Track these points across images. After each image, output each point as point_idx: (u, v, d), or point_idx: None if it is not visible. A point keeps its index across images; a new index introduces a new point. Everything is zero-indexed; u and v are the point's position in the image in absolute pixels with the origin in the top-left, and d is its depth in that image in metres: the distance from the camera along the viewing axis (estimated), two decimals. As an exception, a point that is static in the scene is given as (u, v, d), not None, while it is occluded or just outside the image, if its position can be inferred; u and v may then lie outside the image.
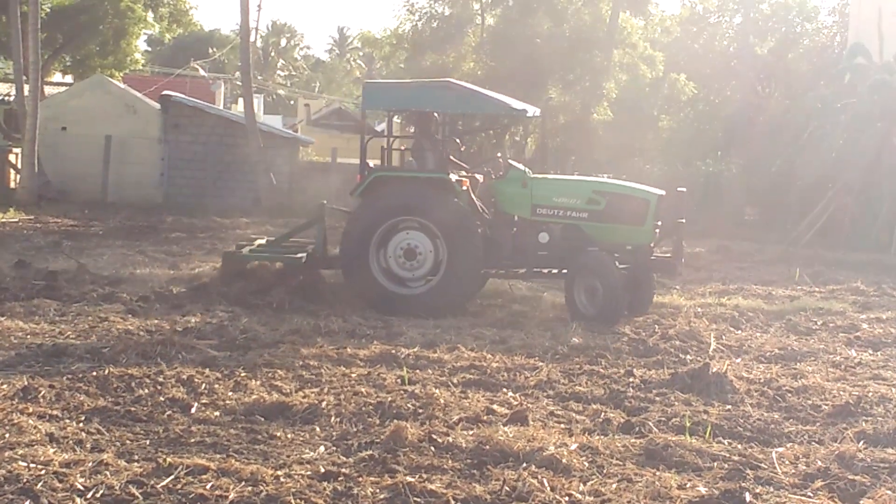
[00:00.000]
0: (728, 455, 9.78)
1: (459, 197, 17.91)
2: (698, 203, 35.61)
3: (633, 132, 43.26)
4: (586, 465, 9.33)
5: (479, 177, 19.19)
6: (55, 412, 10.46)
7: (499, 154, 19.31)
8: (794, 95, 45.41)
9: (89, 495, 8.02)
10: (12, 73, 43.90)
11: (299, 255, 19.12)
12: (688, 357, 14.43)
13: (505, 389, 12.32)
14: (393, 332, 15.80)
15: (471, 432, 10.11)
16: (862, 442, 10.22)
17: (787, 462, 9.63)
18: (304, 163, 45.21)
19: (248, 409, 10.94)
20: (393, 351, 14.09)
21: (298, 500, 8.12)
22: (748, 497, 8.53)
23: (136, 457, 9.17)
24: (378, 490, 8.40)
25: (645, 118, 44.70)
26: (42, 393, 11.06)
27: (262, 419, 10.61)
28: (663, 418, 11.19)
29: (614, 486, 8.81)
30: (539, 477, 8.75)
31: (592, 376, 13.20)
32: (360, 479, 8.65)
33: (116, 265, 22.02)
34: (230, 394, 11.55)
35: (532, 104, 20.70)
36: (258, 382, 12.10)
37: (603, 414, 11.31)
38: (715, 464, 9.55)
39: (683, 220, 18.33)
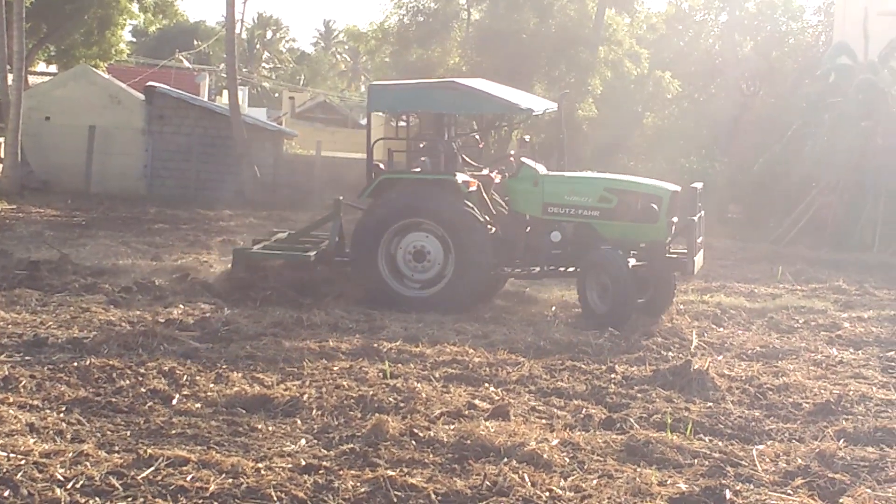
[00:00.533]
0: (709, 452, 9.80)
1: (466, 197, 17.70)
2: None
3: (618, 129, 43.25)
4: (567, 460, 9.34)
5: (496, 176, 18.97)
6: (36, 402, 10.45)
7: (513, 152, 19.05)
8: (778, 94, 45.46)
9: (69, 486, 8.01)
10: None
11: (310, 252, 19.05)
12: (670, 354, 14.45)
13: (487, 384, 12.33)
14: (375, 325, 15.78)
15: (452, 427, 10.11)
16: (842, 440, 10.25)
17: (767, 460, 9.66)
18: (288, 155, 45.12)
19: (229, 401, 10.93)
20: (375, 345, 14.08)
21: (279, 493, 8.11)
22: (728, 494, 8.55)
23: (117, 448, 9.16)
24: (359, 483, 8.40)
25: (630, 115, 44.73)
26: (23, 383, 11.05)
27: (244, 411, 10.61)
28: (644, 415, 11.21)
29: (595, 481, 8.82)
30: (520, 472, 8.76)
31: (574, 372, 13.22)
32: (341, 472, 8.65)
33: (99, 256, 21.96)
34: (212, 386, 11.54)
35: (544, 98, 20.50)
36: (240, 375, 12.09)
37: (584, 410, 11.33)
38: (695, 461, 9.57)
39: (701, 216, 18.03)
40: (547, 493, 8.44)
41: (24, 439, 9.02)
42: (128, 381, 11.41)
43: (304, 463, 8.86)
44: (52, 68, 58.89)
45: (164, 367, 12.08)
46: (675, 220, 17.91)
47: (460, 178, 17.89)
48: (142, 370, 11.88)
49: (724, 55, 48.98)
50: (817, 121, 35.64)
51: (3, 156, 39.97)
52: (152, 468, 8.42)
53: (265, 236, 21.76)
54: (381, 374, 12.42)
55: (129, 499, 7.91)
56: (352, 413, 10.71)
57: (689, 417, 11.07)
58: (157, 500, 7.92)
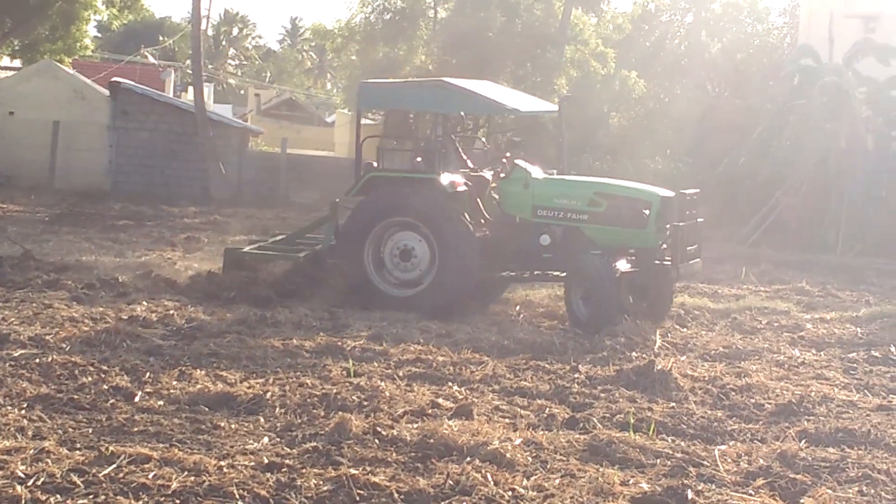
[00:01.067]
0: (671, 452, 9.83)
1: (452, 198, 17.57)
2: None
3: (584, 129, 43.31)
4: (530, 459, 9.36)
5: (489, 176, 18.70)
6: (-3, 399, 10.40)
7: (508, 154, 18.84)
8: (743, 95, 45.62)
9: (30, 483, 7.98)
10: (-40, 56, 43.57)
11: (301, 253, 19.02)
12: (633, 354, 14.47)
13: (450, 383, 12.34)
14: (339, 324, 15.76)
15: (415, 425, 10.12)
16: (803, 441, 10.31)
17: (729, 460, 9.70)
18: (253, 153, 45.03)
19: (192, 398, 10.91)
20: (339, 343, 14.07)
21: (241, 491, 8.10)
22: (690, 494, 8.58)
23: (79, 445, 9.13)
24: (321, 482, 8.40)
25: (595, 115, 44.79)
26: (-16, 379, 10.99)
27: (207, 409, 10.59)
28: (608, 415, 11.24)
29: (557, 481, 8.84)
30: (483, 471, 8.77)
31: (538, 371, 13.24)
32: (304, 470, 8.65)
33: (62, 252, 21.88)
34: (174, 383, 11.51)
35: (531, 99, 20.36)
36: (203, 372, 12.06)
37: (547, 409, 11.35)
38: (658, 461, 9.60)
39: (696, 223, 17.76)
40: (510, 493, 8.45)
41: (-15, 436, 8.98)
42: (90, 378, 11.37)
43: (266, 461, 8.85)
44: (17, 63, 58.56)
45: (127, 365, 12.06)
46: (668, 226, 17.37)
47: (446, 177, 17.67)
48: (104, 367, 11.85)
49: (690, 56, 49.11)
50: (782, 122, 35.78)
51: (-34, 151, 39.76)
52: (114, 465, 8.40)
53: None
54: (344, 373, 12.41)
55: (91, 496, 7.88)
56: (315, 411, 10.70)
57: (651, 417, 11.10)
58: (118, 497, 7.89)
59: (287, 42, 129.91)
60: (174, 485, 8.12)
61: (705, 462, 9.59)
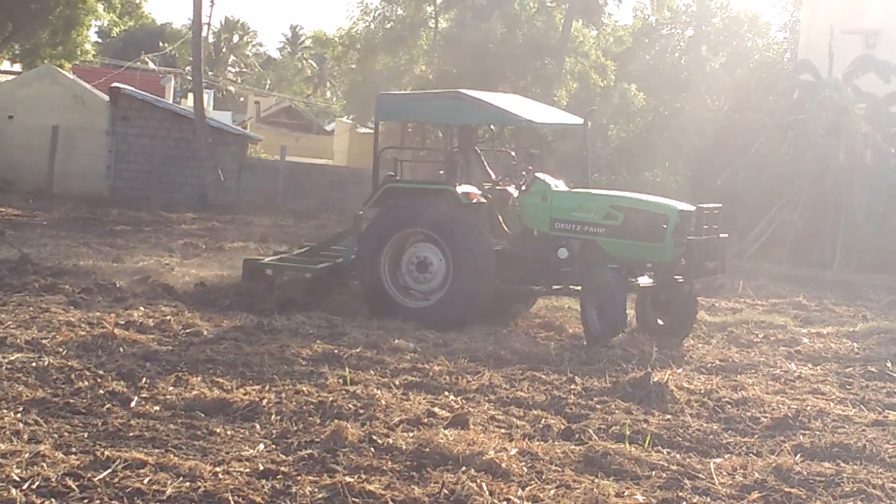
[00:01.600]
0: (666, 464, 9.83)
1: (468, 209, 17.42)
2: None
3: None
4: (525, 470, 9.35)
5: (513, 190, 18.47)
6: (-7, 402, 10.39)
7: (530, 167, 18.65)
8: (743, 110, 45.66)
9: (25, 487, 7.97)
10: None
11: (321, 265, 19.02)
12: (629, 366, 14.45)
13: (446, 392, 12.33)
14: (336, 331, 15.75)
15: (411, 434, 10.11)
16: (799, 455, 10.31)
17: (724, 473, 9.69)
18: (252, 160, 45.09)
19: (188, 404, 10.90)
20: (335, 351, 14.06)
21: (236, 497, 8.10)
22: (685, 506, 8.58)
23: (74, 449, 9.12)
24: (317, 489, 8.40)
25: (594, 127, 44.81)
26: (-20, 383, 10.98)
27: (203, 415, 10.58)
28: (603, 426, 11.23)
29: (553, 492, 8.84)
30: (478, 481, 8.77)
31: (534, 382, 13.23)
32: (299, 477, 8.65)
33: (60, 256, 21.88)
34: (171, 389, 11.50)
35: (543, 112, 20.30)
36: (199, 378, 12.06)
37: (543, 420, 11.34)
38: (653, 473, 9.59)
39: (717, 238, 17.43)
40: (505, 503, 8.46)
41: (-19, 439, 8.98)
42: (86, 383, 11.36)
43: (262, 468, 8.85)
44: (17, 67, 58.59)
45: (123, 370, 12.06)
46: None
47: (462, 188, 17.54)
48: (100, 372, 11.85)
49: (690, 70, 49.16)
50: (781, 137, 35.84)
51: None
52: (109, 470, 8.39)
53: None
54: (340, 381, 12.40)
55: (86, 500, 7.89)
56: (311, 419, 10.70)
57: (647, 429, 11.10)
58: (113, 502, 7.89)
59: (287, 50, 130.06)
60: (169, 490, 8.12)
61: (700, 475, 9.59)
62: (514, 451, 9.73)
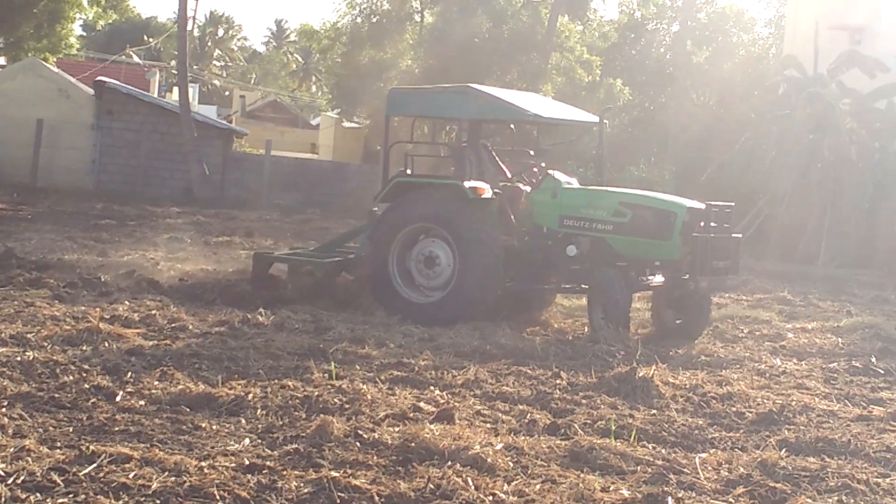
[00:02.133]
0: (652, 459, 9.84)
1: (477, 204, 17.28)
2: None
3: (568, 135, 43.40)
4: (511, 465, 9.35)
5: (526, 187, 18.38)
6: (-23, 397, 10.36)
7: (542, 164, 18.53)
8: (728, 105, 45.75)
9: (10, 481, 7.95)
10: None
11: (328, 259, 19.01)
12: (615, 361, 14.45)
13: (432, 387, 12.32)
14: (322, 326, 15.73)
15: (397, 429, 10.11)
16: (784, 450, 10.32)
17: (709, 468, 9.70)
18: (237, 154, 45.03)
19: (173, 398, 10.88)
20: (321, 345, 14.05)
21: (222, 492, 8.08)
22: (670, 501, 8.60)
23: (59, 444, 9.09)
24: (302, 484, 8.38)
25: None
26: (-36, 377, 10.95)
27: (188, 409, 10.55)
28: (589, 421, 11.24)
29: (538, 486, 8.83)
30: (464, 476, 8.76)
31: (519, 377, 13.23)
32: (285, 472, 8.63)
33: (44, 250, 21.82)
34: (156, 383, 11.48)
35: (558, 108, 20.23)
36: (184, 373, 12.03)
37: (529, 415, 11.34)
38: (638, 467, 9.60)
39: (730, 237, 17.24)
40: (490, 498, 8.45)
41: (-35, 433, 8.96)
42: (71, 377, 11.33)
43: (247, 462, 8.83)
44: (1, 60, 58.43)
45: (109, 364, 12.03)
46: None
47: (469, 183, 17.41)
48: (85, 366, 11.81)
49: (676, 65, 49.22)
50: (765, 132, 35.90)
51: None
52: (94, 465, 8.37)
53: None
54: (326, 375, 12.39)
55: (71, 495, 7.86)
56: (296, 413, 10.68)
57: (633, 424, 11.11)
58: (98, 496, 7.87)
59: (272, 44, 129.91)
60: (154, 485, 8.10)
61: (686, 469, 9.60)
62: (499, 446, 9.73)
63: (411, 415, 10.87)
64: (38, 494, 7.83)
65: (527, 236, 17.91)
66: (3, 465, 8.20)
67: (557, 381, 13.06)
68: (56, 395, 10.67)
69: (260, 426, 10.19)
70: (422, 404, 11.34)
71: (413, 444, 9.54)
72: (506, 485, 8.78)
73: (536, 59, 43.60)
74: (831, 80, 35.03)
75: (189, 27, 49.27)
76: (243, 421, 10.34)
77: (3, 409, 9.99)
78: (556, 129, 23.05)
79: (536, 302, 18.77)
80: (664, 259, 17.24)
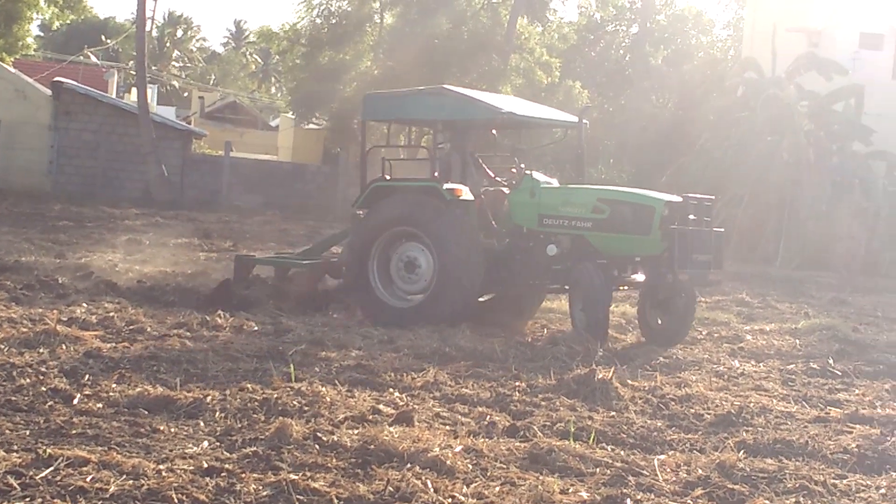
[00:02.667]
0: (611, 461, 9.85)
1: (455, 206, 17.18)
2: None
3: (527, 137, 43.46)
4: (470, 467, 9.34)
5: (507, 190, 18.31)
6: (-67, 400, 10.29)
7: (523, 165, 18.45)
8: (687, 107, 45.95)
9: (-34, 485, 7.89)
10: None
11: (307, 262, 19.01)
12: (574, 363, 14.47)
13: (391, 389, 12.30)
14: (281, 328, 15.70)
15: (356, 431, 10.08)
16: (742, 451, 10.35)
17: (668, 469, 9.72)
18: (196, 155, 44.92)
19: (131, 401, 10.81)
20: (280, 347, 14.01)
21: (180, 495, 8.04)
22: (629, 503, 8.61)
23: (16, 447, 9.02)
24: (261, 487, 8.35)
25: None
26: (-80, 380, 10.87)
27: (146, 412, 10.50)
28: (548, 423, 11.24)
29: (497, 489, 8.83)
30: (423, 478, 8.75)
31: (479, 379, 13.23)
32: (244, 475, 8.59)
33: (1, 252, 21.69)
34: (114, 386, 11.41)
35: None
36: (143, 375, 11.97)
37: (488, 417, 11.32)
38: (597, 469, 9.60)
39: (706, 231, 17.14)
40: (449, 500, 8.44)
41: (-79, 437, 8.89)
42: (28, 380, 11.26)
43: (206, 465, 8.79)
44: (-42, 61, 58.09)
45: (66, 367, 11.95)
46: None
47: (447, 185, 17.35)
48: (42, 369, 11.74)
49: (635, 67, 49.39)
50: (724, 134, 36.10)
51: None
52: (52, 468, 8.32)
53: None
54: (285, 378, 12.35)
55: (28, 499, 7.80)
56: (255, 416, 10.64)
57: (591, 426, 11.12)
58: (55, 500, 7.82)
59: (231, 45, 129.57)
60: (112, 488, 8.05)
61: (644, 471, 9.61)
62: (458, 448, 9.72)
63: (370, 417, 10.85)
64: (-6, 498, 7.78)
65: (507, 238, 17.87)
66: (-42, 469, 8.15)
67: (517, 384, 13.05)
68: (13, 398, 10.59)
69: (218, 429, 10.15)
70: (381, 406, 11.31)
71: (372, 447, 9.52)
72: (465, 487, 8.77)
73: (496, 60, 43.65)
74: (789, 82, 35.26)
75: (147, 28, 49.11)
76: (202, 424, 10.29)
77: (-41, 413, 9.93)
78: (535, 131, 23.13)
79: (528, 303, 18.80)
80: (644, 254, 17.16)
